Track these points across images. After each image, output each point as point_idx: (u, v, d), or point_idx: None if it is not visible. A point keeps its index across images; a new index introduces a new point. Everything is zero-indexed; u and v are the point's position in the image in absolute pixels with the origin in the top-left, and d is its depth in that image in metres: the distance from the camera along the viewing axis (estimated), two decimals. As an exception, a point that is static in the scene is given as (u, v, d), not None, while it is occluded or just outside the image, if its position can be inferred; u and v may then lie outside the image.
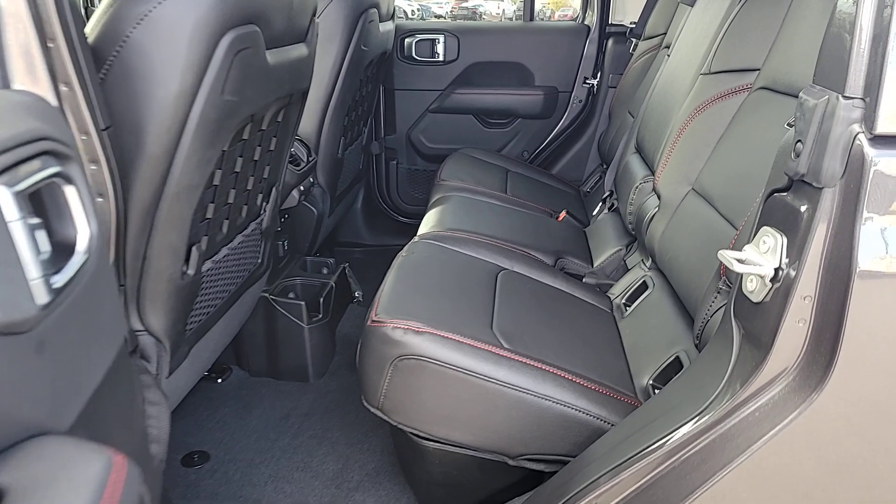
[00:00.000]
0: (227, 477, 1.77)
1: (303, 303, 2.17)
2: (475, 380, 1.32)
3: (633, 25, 2.99)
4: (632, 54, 2.95)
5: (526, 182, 2.80)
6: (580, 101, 3.14)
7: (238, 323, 2.00)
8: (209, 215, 1.48)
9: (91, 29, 1.13)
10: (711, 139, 1.68)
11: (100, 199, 1.11)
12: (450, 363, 1.32)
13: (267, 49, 1.36)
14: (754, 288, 0.98)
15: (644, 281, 1.84)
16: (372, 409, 1.43)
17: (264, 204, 1.86)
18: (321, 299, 2.22)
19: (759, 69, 1.60)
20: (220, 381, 2.18)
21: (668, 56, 2.23)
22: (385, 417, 1.41)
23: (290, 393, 2.15)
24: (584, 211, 2.71)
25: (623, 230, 2.15)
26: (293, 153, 2.16)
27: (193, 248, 1.40)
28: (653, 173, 1.99)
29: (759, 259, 0.97)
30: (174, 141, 1.20)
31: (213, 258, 1.56)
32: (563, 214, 2.43)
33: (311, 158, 2.24)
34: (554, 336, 1.56)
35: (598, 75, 3.09)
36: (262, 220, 1.87)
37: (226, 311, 1.77)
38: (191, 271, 1.40)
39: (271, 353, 2.20)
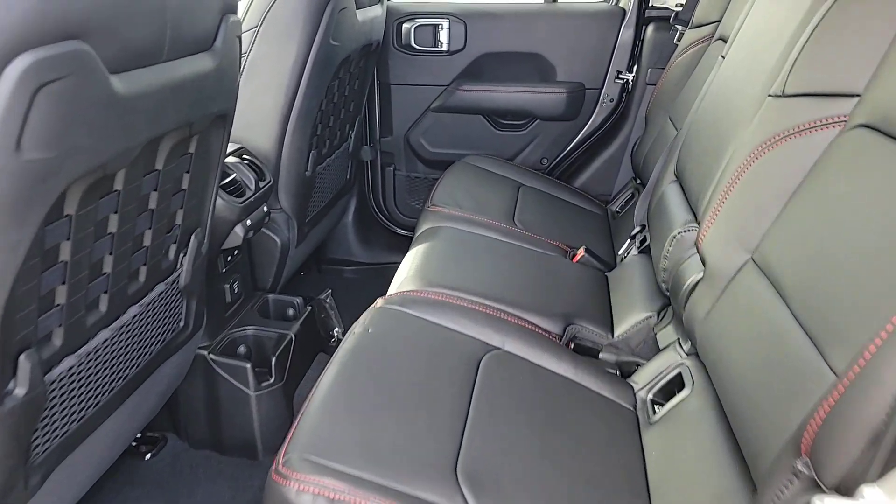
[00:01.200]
0: None
1: (248, 365, 1.75)
2: (413, 581, 0.88)
3: (679, 9, 2.45)
4: (676, 45, 2.42)
5: (540, 202, 2.32)
6: (611, 100, 2.62)
7: (159, 398, 1.59)
8: (60, 300, 1.05)
9: None
10: (782, 191, 1.18)
11: None
12: (375, 555, 0.88)
13: (114, 73, 0.91)
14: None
15: (680, 372, 1.37)
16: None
17: (181, 257, 1.44)
18: (274, 358, 1.80)
19: (858, 95, 1.10)
20: (148, 456, 1.78)
21: (723, 58, 1.71)
22: None
23: (233, 476, 1.75)
24: (609, 241, 2.22)
25: (655, 287, 1.66)
26: (236, 180, 1.72)
27: (23, 357, 0.98)
28: (696, 220, 1.50)
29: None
30: (-63, 228, 0.77)
31: (79, 351, 1.14)
32: (580, 253, 1.95)
33: (263, 184, 1.80)
34: (548, 470, 1.11)
35: (634, 69, 2.57)
36: (180, 275, 1.45)
37: (126, 399, 1.36)
38: (20, 389, 0.98)
39: (213, 423, 1.80)
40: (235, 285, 1.90)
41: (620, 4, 2.60)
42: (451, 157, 2.69)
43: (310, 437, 1.03)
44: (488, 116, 2.71)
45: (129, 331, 1.29)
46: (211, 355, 1.76)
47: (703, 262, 1.32)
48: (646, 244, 1.95)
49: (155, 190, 1.22)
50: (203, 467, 1.77)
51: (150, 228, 1.26)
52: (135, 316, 1.30)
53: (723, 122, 1.49)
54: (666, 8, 2.51)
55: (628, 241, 1.94)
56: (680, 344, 1.43)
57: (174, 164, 1.25)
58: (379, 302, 1.48)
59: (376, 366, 1.26)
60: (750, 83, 1.40)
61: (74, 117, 0.85)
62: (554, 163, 2.74)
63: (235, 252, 1.88)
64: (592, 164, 2.67)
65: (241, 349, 1.87)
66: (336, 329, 2.37)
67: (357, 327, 1.38)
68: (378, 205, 2.90)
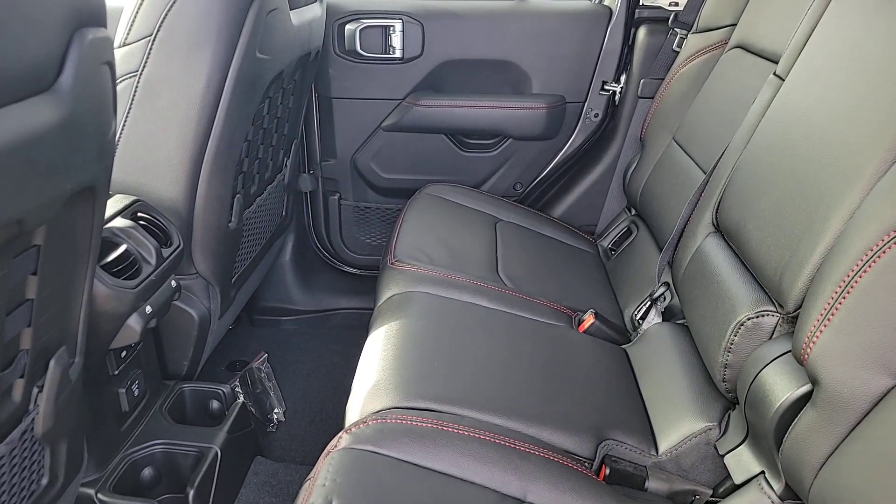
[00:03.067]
0: None
1: (155, 507, 1.27)
2: None
3: (678, 8, 2.08)
4: (676, 52, 2.05)
5: (523, 243, 1.91)
6: (596, 116, 2.23)
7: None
8: None
9: None
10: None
11: None
12: None
13: None
14: None
15: (774, 527, 0.98)
16: None
17: (35, 393, 0.94)
18: (192, 490, 1.32)
19: None
20: None
21: (779, 77, 1.33)
22: None
23: None
24: (609, 289, 1.82)
25: (706, 381, 1.27)
26: (127, 253, 1.22)
27: None
28: (772, 301, 1.11)
29: None
30: None
31: None
32: (589, 318, 1.54)
33: (168, 252, 1.31)
34: None
35: (623, 79, 2.18)
36: (35, 420, 0.95)
37: None
38: None
39: (108, 584, 1.30)
40: (135, 386, 1.40)
41: (605, 3, 2.20)
42: (407, 183, 2.26)
43: None
44: (451, 136, 2.27)
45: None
46: (100, 495, 1.26)
47: (815, 382, 0.93)
48: (666, 304, 1.57)
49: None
50: None
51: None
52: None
53: (805, 172, 1.10)
54: (660, 7, 2.13)
55: (648, 303, 1.55)
56: (767, 480, 1.04)
57: (3, 273, 0.76)
58: (342, 440, 1.03)
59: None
60: (857, 125, 1.01)
61: None
62: (529, 188, 2.33)
63: (138, 344, 1.37)
64: (575, 190, 2.27)
65: (147, 473, 1.38)
66: (276, 410, 1.90)
67: (314, 493, 0.93)
68: (321, 240, 2.42)
